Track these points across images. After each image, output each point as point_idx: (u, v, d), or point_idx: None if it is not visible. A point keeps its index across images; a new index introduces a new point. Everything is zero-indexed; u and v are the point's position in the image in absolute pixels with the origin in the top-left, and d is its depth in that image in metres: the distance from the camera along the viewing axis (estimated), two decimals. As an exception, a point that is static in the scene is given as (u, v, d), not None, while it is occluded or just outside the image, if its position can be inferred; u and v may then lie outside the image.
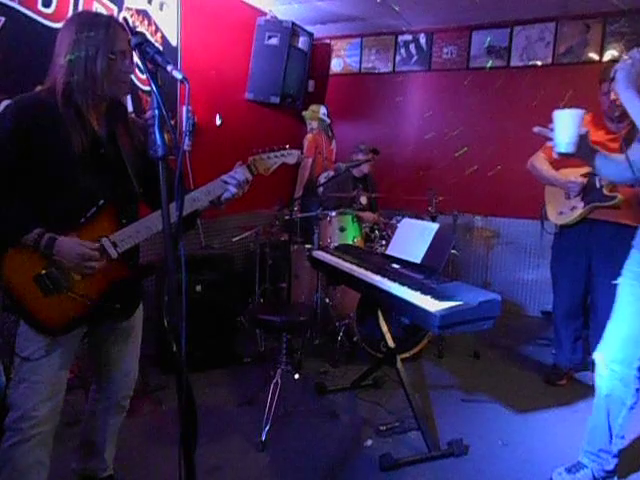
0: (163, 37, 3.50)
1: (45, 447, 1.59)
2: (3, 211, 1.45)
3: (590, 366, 3.25)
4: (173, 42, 3.58)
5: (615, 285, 2.96)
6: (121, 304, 1.62)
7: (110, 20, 1.52)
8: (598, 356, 2.11)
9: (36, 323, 1.48)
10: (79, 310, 1.52)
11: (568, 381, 3.24)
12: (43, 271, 1.46)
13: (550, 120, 1.90)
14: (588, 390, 3.14)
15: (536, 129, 1.95)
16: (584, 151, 1.85)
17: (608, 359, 2.06)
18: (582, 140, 1.80)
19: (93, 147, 1.52)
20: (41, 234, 1.43)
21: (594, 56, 4.28)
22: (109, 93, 1.53)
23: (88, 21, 1.48)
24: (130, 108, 3.07)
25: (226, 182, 1.65)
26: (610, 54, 4.21)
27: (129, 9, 3.19)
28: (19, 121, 1.43)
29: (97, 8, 2.96)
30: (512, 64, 4.59)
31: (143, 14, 3.31)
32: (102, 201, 1.51)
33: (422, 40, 4.96)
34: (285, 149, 1.77)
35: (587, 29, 4.28)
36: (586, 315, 3.23)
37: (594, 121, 3.01)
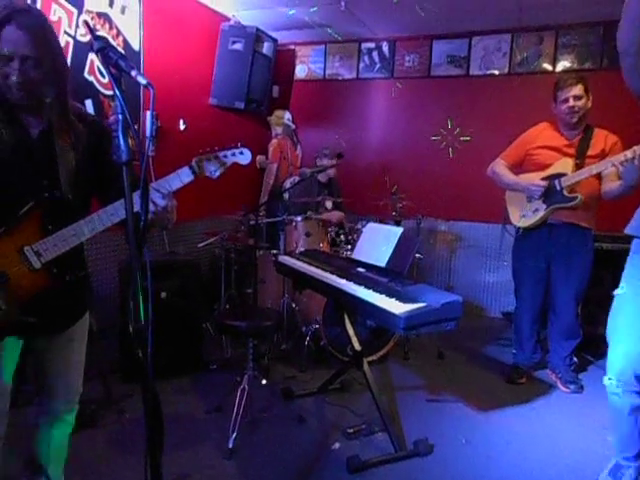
0: (125, 41, 3.45)
1: None
2: None
3: (548, 365, 3.39)
4: (135, 46, 3.54)
5: (571, 285, 3.11)
6: (45, 317, 1.47)
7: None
8: (608, 381, 2.00)
9: None
10: None
11: (527, 380, 3.34)
12: None
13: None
14: (546, 387, 3.27)
15: None
16: None
17: (622, 379, 1.96)
18: None
19: (23, 149, 1.42)
20: None
21: (547, 66, 4.46)
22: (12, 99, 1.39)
23: None
24: (91, 112, 3.01)
25: (156, 190, 1.44)
26: (562, 65, 4.41)
27: (89, 12, 3.14)
28: None
29: (56, 10, 2.90)
30: (471, 73, 4.73)
31: (104, 17, 3.26)
32: (26, 207, 1.40)
33: (385, 48, 5.06)
34: (236, 148, 1.59)
35: (541, 41, 4.47)
36: (544, 315, 3.35)
37: (550, 128, 3.16)
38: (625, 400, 1.98)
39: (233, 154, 1.58)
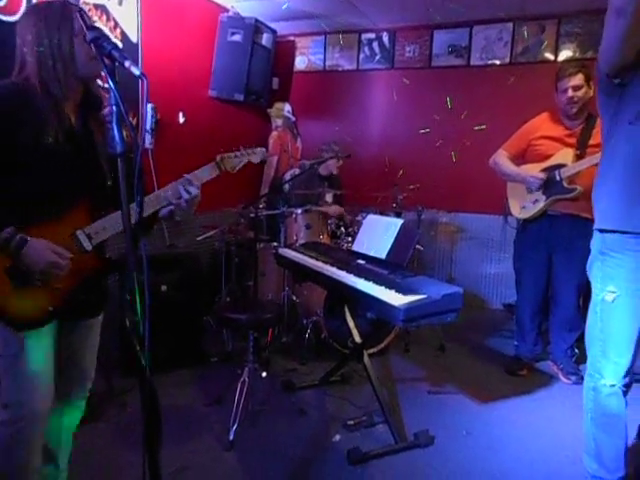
0: (123, 33, 3.41)
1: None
2: None
3: (549, 356, 3.39)
4: (133, 38, 3.50)
5: (573, 277, 3.09)
6: (90, 297, 1.61)
7: (64, 3, 1.53)
8: (610, 386, 1.93)
9: (9, 317, 1.43)
10: (54, 302, 1.49)
11: (528, 371, 3.34)
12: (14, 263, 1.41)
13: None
14: (547, 379, 3.27)
15: None
16: None
17: (625, 381, 1.92)
18: None
19: (68, 138, 1.50)
20: (13, 233, 1.37)
21: (549, 56, 4.42)
22: (85, 74, 1.51)
23: (44, 9, 1.50)
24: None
25: (190, 181, 1.65)
26: (564, 54, 4.36)
27: (86, 3, 3.10)
28: None
29: (52, 2, 2.87)
30: (472, 63, 4.69)
31: (101, 9, 3.23)
32: (76, 193, 1.49)
33: (385, 38, 5.01)
34: (251, 148, 1.85)
35: (542, 29, 4.42)
36: (545, 307, 3.34)
37: (551, 118, 3.13)
38: (622, 399, 1.92)
39: (248, 153, 1.84)
